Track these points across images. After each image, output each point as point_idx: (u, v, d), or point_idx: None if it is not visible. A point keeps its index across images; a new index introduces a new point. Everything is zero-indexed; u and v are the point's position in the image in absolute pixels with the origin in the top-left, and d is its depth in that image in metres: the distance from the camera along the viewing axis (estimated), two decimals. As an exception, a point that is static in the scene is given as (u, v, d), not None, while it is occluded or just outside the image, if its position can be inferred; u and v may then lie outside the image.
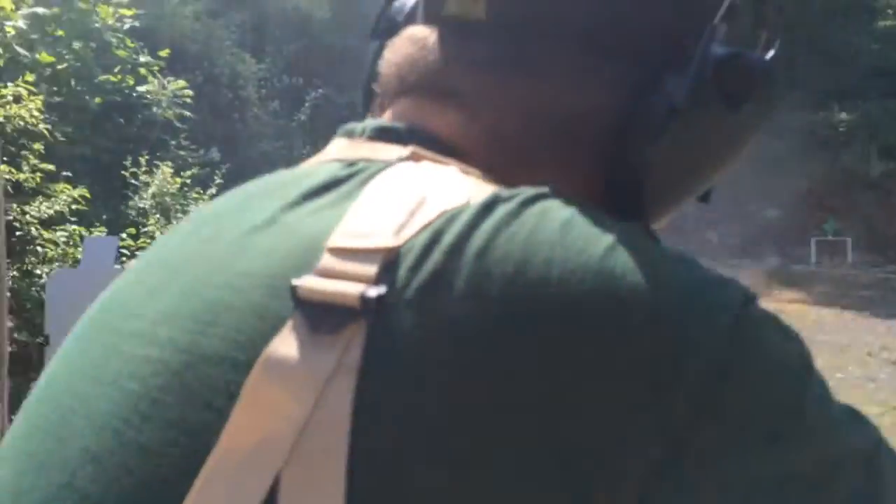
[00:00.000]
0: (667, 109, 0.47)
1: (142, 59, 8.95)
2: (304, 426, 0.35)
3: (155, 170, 7.72)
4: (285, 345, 0.37)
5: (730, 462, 0.36)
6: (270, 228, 0.43)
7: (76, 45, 8.12)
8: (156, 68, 9.04)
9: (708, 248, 14.57)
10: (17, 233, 5.64)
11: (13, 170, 5.81)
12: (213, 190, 7.90)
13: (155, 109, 9.12)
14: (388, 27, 0.56)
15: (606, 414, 0.35)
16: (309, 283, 0.37)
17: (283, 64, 15.86)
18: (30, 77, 6.25)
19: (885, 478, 0.40)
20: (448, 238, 0.38)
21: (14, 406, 3.08)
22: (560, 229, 0.38)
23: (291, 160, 0.82)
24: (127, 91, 8.90)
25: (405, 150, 0.46)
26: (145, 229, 6.82)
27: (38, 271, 5.63)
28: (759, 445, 0.36)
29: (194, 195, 7.91)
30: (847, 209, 15.37)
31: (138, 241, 6.32)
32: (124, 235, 6.23)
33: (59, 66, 7.71)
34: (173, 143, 9.42)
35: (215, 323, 0.39)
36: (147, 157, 7.71)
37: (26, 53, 6.03)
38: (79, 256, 5.48)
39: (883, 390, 6.62)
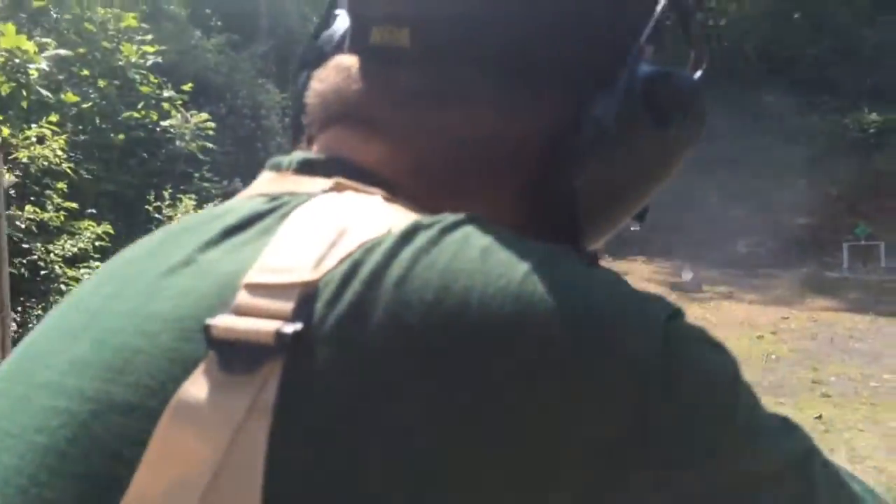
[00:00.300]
0: (594, 132, 0.46)
1: (165, 93, 9.10)
2: (217, 471, 0.34)
3: (178, 203, 7.83)
4: (196, 387, 0.35)
5: (667, 480, 0.36)
6: (186, 269, 0.42)
7: (101, 83, 8.31)
8: (179, 102, 9.20)
9: (737, 259, 14.38)
10: (42, 272, 5.73)
11: (38, 209, 5.93)
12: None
13: (178, 143, 9.25)
14: (317, 57, 0.55)
15: (529, 439, 0.34)
16: (223, 322, 0.36)
17: (307, 91, 15.95)
18: (53, 118, 6.40)
19: (817, 483, 0.40)
20: (366, 269, 0.37)
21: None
22: (480, 256, 0.37)
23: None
24: (150, 126, 9.04)
25: (329, 182, 0.46)
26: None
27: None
28: (695, 460, 0.36)
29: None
30: (879, 213, 15.03)
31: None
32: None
33: (84, 105, 7.89)
34: (196, 175, 9.54)
35: (126, 370, 0.38)
36: (170, 190, 7.83)
37: (49, 95, 6.17)
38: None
39: (918, 399, 6.45)
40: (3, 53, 5.66)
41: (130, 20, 8.42)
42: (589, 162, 0.47)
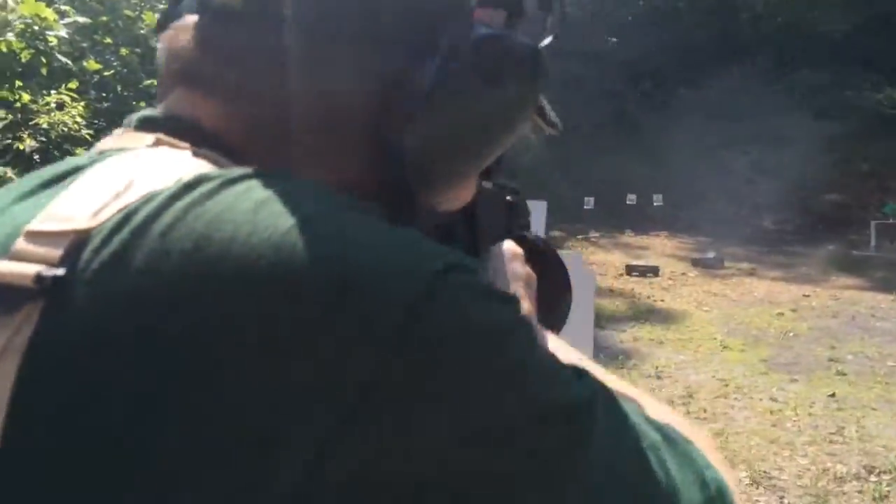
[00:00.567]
0: (418, 93, 0.47)
1: (187, 62, 9.15)
2: None
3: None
4: None
5: (431, 424, 0.36)
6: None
7: (123, 51, 8.38)
8: (200, 71, 9.23)
9: (763, 236, 14.19)
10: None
11: (57, 175, 6.02)
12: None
13: (199, 111, 9.33)
14: (175, 19, 0.56)
15: (259, 384, 0.35)
16: None
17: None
18: (73, 84, 6.47)
19: (593, 430, 0.40)
20: (138, 217, 0.38)
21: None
22: (254, 208, 0.38)
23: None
24: (172, 94, 9.13)
25: (151, 138, 0.47)
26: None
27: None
28: (436, 407, 0.37)
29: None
30: (909, 191, 14.76)
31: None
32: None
33: (106, 73, 7.97)
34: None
35: None
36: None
37: (68, 62, 6.24)
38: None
39: (936, 379, 6.35)
40: (24, 21, 5.72)
41: (152, -12, 8.45)
42: (415, 120, 0.47)
